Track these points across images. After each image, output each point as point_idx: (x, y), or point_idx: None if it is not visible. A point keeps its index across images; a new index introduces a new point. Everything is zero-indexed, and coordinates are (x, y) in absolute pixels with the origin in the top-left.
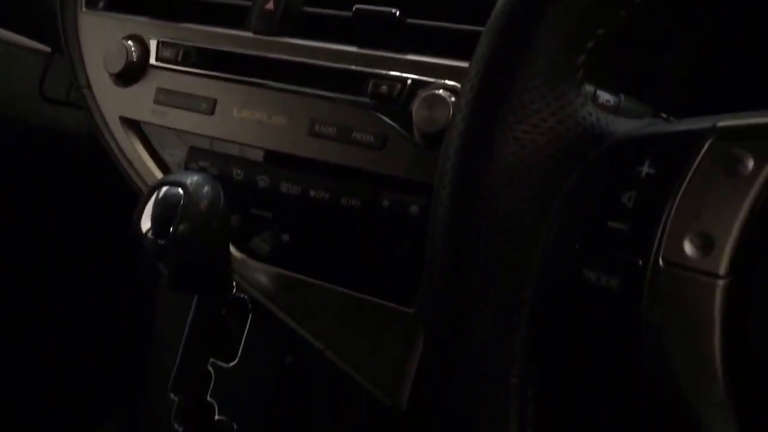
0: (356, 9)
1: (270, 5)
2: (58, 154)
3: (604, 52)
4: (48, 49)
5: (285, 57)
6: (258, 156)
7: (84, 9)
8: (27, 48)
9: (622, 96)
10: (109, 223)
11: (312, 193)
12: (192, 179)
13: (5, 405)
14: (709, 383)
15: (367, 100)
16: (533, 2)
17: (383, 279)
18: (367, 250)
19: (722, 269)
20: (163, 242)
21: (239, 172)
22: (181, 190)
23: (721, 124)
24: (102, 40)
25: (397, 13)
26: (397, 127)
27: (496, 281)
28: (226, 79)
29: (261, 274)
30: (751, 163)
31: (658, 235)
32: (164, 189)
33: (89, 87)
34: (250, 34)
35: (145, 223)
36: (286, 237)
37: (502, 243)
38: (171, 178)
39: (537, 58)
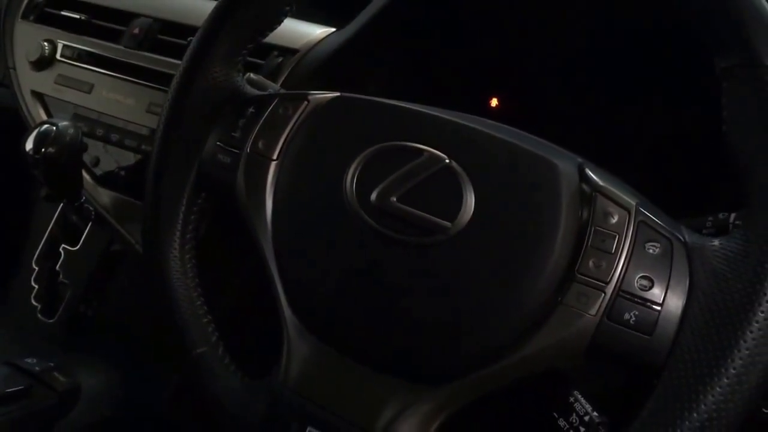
0: (189, 39)
1: (136, 31)
2: None
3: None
4: None
5: (139, 63)
6: (115, 122)
7: (20, 19)
8: None
9: (253, 75)
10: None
11: (143, 147)
12: (63, 123)
13: None
14: None
15: None
16: (208, 32)
17: None
18: None
19: None
20: (38, 157)
21: (100, 130)
22: (54, 127)
23: None
24: (27, 39)
25: None
26: None
27: None
28: (102, 73)
29: (101, 193)
30: None
31: None
32: (45, 126)
33: (15, 68)
34: (121, 47)
35: (29, 145)
36: None
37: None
38: (49, 120)
39: (215, 54)
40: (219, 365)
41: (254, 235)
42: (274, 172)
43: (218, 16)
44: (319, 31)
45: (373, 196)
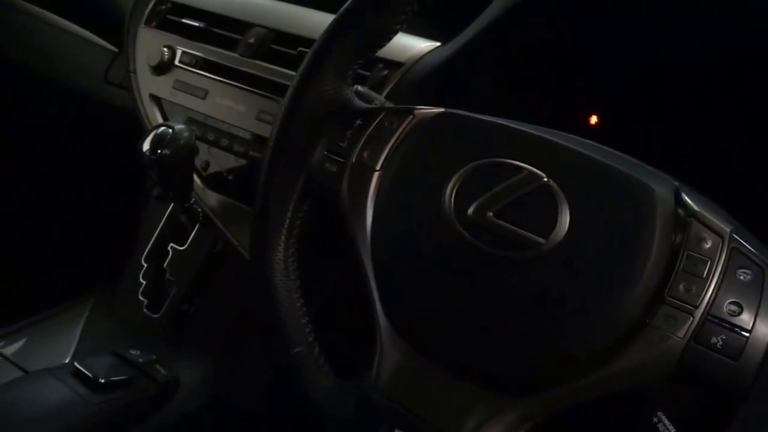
0: (299, 50)
1: (252, 40)
2: (111, 119)
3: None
4: (115, 49)
5: (252, 71)
6: (226, 128)
7: (143, 25)
8: (97, 45)
9: (360, 88)
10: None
11: (251, 153)
12: (178, 126)
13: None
14: None
15: None
16: (323, 47)
17: None
18: None
19: None
20: (154, 158)
21: (211, 135)
22: (170, 130)
23: None
24: (149, 45)
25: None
26: None
27: None
28: (216, 80)
29: (209, 196)
30: None
31: None
32: (161, 128)
33: (135, 72)
34: (236, 55)
35: (146, 146)
36: None
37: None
38: (166, 123)
39: (328, 68)
40: (314, 365)
41: (353, 242)
42: (377, 182)
43: (333, 33)
44: (423, 45)
45: (471, 210)
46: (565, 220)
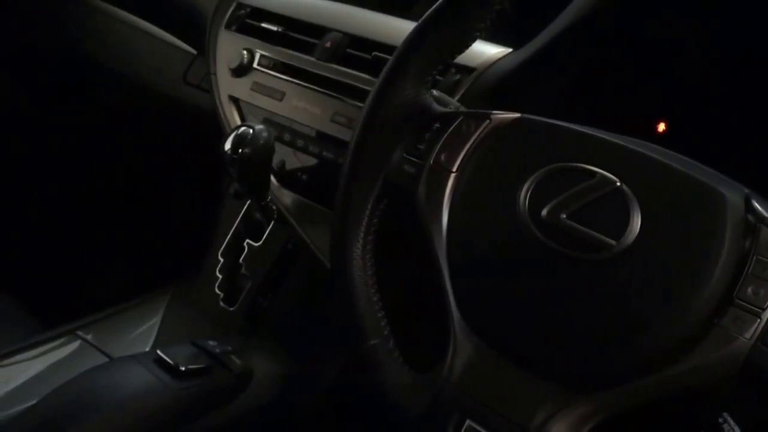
0: (373, 54)
1: (328, 44)
2: (189, 119)
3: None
4: (194, 52)
5: (328, 74)
6: (301, 129)
7: (224, 28)
8: (176, 47)
9: (436, 92)
10: (210, 160)
11: (324, 154)
12: (258, 127)
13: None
14: None
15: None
16: (405, 53)
17: None
18: None
19: None
20: (234, 156)
21: (287, 135)
22: (251, 130)
23: None
24: (229, 48)
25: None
26: None
27: None
28: (293, 82)
29: (284, 194)
30: None
31: None
32: (242, 128)
33: (215, 74)
34: (313, 59)
35: (227, 145)
36: None
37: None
38: (246, 123)
39: (409, 73)
40: (389, 357)
41: (429, 240)
42: (453, 183)
43: (415, 39)
44: (495, 51)
45: (544, 212)
46: (636, 223)
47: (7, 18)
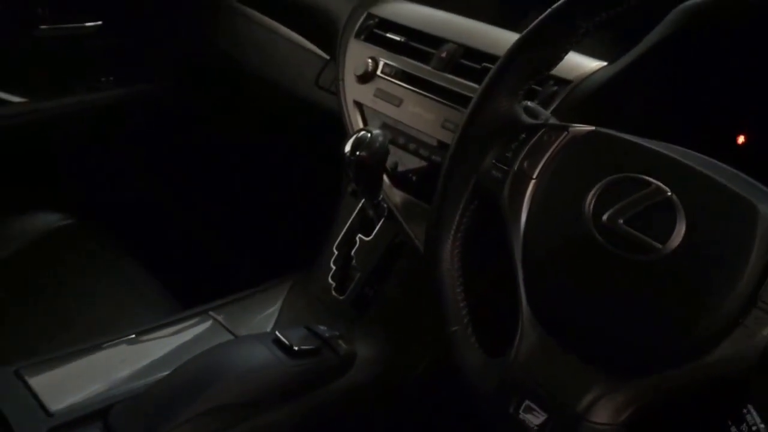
0: (483, 65)
1: (444, 54)
2: (317, 120)
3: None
4: (327, 57)
5: (441, 83)
6: (414, 133)
7: (353, 37)
8: (310, 51)
9: (530, 103)
10: (332, 161)
11: (433, 157)
12: (375, 131)
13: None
14: None
15: None
16: (500, 71)
17: None
18: None
19: None
20: (352, 158)
21: (402, 139)
22: (368, 134)
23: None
24: (356, 56)
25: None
26: None
27: None
28: (410, 90)
29: (395, 194)
30: None
31: None
32: (361, 132)
33: (343, 80)
34: (429, 68)
35: (347, 148)
36: None
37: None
38: (365, 128)
39: (502, 88)
40: (466, 342)
41: (509, 239)
42: (532, 189)
43: (510, 57)
44: (593, 64)
45: (605, 216)
46: (681, 229)
47: (171, 29)
